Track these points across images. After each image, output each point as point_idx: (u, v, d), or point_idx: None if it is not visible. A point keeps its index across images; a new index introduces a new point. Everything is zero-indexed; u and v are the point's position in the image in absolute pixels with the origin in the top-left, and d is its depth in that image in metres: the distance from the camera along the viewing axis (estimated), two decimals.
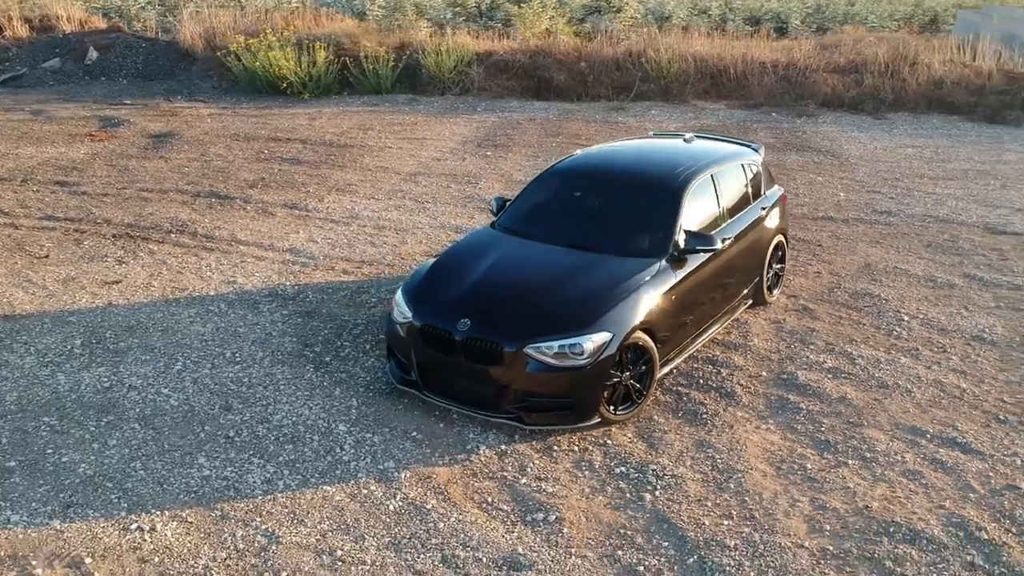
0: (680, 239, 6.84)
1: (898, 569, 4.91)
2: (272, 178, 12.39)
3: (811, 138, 15.61)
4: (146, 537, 5.10)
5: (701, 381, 6.93)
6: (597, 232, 7.14)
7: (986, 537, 5.16)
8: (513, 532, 5.21)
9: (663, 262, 6.69)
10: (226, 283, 8.76)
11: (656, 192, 7.26)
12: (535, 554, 5.04)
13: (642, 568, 4.93)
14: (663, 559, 5.00)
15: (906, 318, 8.09)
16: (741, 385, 6.89)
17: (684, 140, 8.50)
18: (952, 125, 17.03)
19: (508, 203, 7.80)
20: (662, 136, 9.34)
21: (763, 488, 5.61)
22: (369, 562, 4.96)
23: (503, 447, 6.07)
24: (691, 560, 5.00)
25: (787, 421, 6.41)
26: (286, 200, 11.39)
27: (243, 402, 6.56)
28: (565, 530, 5.22)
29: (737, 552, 5.05)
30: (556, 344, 5.98)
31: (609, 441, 6.15)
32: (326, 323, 7.92)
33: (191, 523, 5.23)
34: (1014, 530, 5.22)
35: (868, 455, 5.99)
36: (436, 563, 4.96)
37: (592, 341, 5.98)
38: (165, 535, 5.11)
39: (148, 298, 8.37)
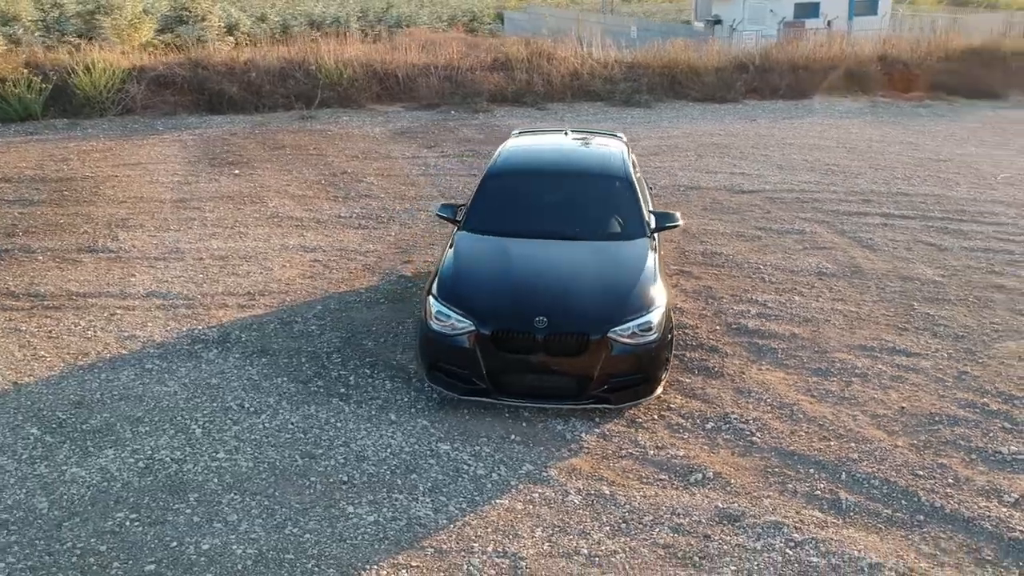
0: (651, 220, 7.67)
1: (962, 441, 6.34)
2: (19, 223, 10.79)
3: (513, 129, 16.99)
4: None
5: (681, 343, 7.79)
6: (576, 221, 7.66)
7: (994, 407, 6.77)
8: (696, 494, 5.76)
9: (648, 240, 7.47)
10: (128, 339, 7.82)
11: (610, 180, 7.99)
12: (734, 504, 5.62)
13: (817, 492, 5.80)
14: (818, 479, 5.94)
15: (760, 267, 9.72)
16: (713, 339, 7.91)
17: (565, 134, 9.23)
18: (600, 110, 19.52)
19: (463, 207, 7.88)
20: (535, 133, 9.96)
21: (821, 412, 6.76)
22: (617, 549, 5.20)
23: (599, 431, 6.49)
24: (841, 474, 5.97)
25: (775, 360, 7.61)
26: (71, 244, 10.11)
27: (317, 447, 6.21)
28: (732, 481, 5.88)
29: (859, 455, 6.12)
30: (631, 325, 6.53)
31: (672, 405, 6.85)
32: (294, 357, 7.55)
33: (418, 567, 5.04)
34: (1003, 399, 6.92)
35: (857, 372, 7.40)
36: (671, 534, 5.34)
37: (655, 318, 6.63)
38: None
39: (55, 371, 7.23)
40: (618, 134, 9.69)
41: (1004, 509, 5.56)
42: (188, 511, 5.42)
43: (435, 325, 6.64)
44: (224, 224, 10.88)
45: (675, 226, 7.80)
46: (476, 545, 5.20)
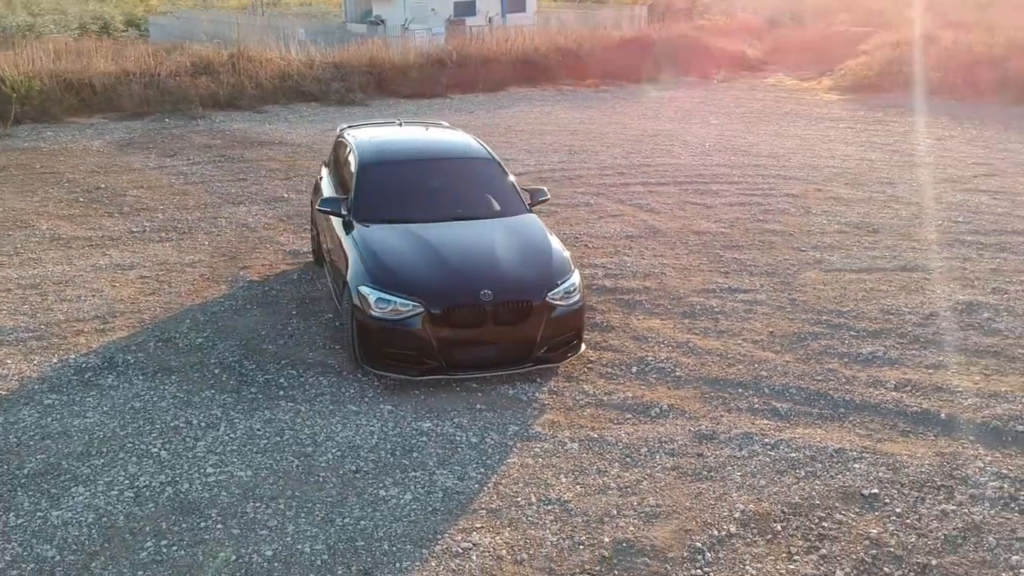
0: (526, 196, 8.37)
1: (830, 350, 7.73)
2: None
3: (248, 134, 16.73)
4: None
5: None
6: (462, 202, 8.09)
7: (835, 321, 8.30)
8: (666, 424, 6.48)
9: (533, 214, 8.17)
10: None
11: (479, 161, 8.50)
12: (701, 426, 6.45)
13: (756, 406, 6.77)
14: (748, 396, 6.90)
15: (576, 236, 10.74)
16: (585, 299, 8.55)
17: (400, 124, 9.61)
18: (318, 110, 19.74)
19: (347, 199, 7.96)
20: (367, 125, 10.12)
21: (712, 345, 7.90)
22: (638, 479, 5.80)
23: (547, 389, 6.96)
24: (763, 389, 7.01)
25: (645, 310, 8.62)
26: None
27: (304, 446, 6.13)
28: (685, 408, 6.70)
29: (766, 372, 7.27)
30: (561, 289, 7.17)
31: (592, 359, 7.51)
32: (203, 370, 7.26)
33: (483, 527, 5.28)
34: (835, 315, 8.45)
35: (716, 310, 8.64)
36: (671, 458, 6.02)
37: (577, 280, 7.36)
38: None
39: None
40: (443, 123, 10.12)
41: (892, 393, 6.88)
42: (220, 526, 5.20)
43: (377, 313, 6.74)
44: (4, 252, 9.80)
45: (546, 200, 8.44)
46: (520, 499, 5.53)
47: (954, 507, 5.39)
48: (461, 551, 4.99)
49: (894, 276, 9.30)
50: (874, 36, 27.81)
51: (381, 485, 5.60)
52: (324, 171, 9.50)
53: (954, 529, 5.18)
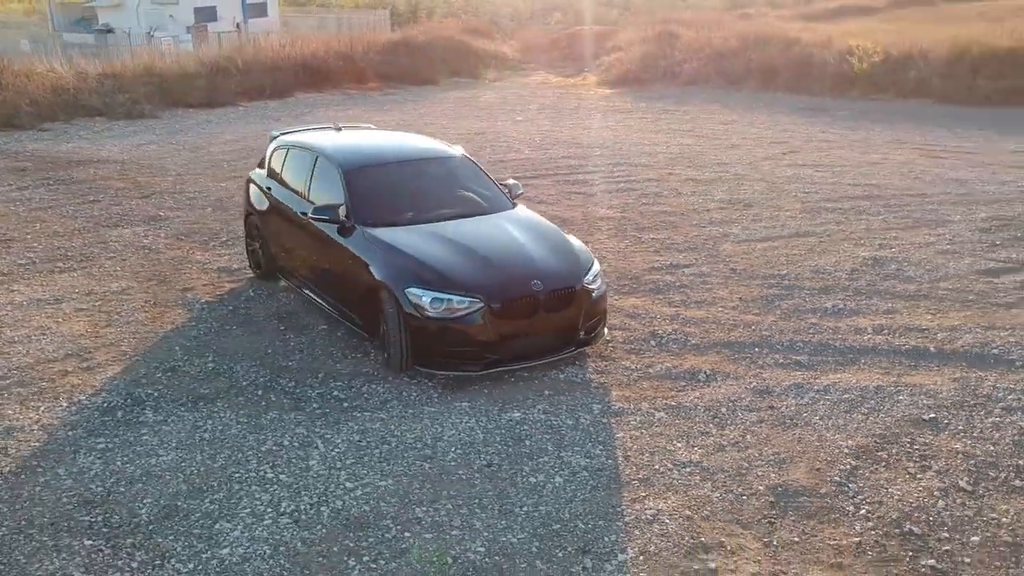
0: (505, 191, 8.70)
1: (800, 308, 8.58)
2: None
3: (55, 154, 15.49)
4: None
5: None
6: (456, 201, 8.17)
7: (786, 283, 9.28)
8: (722, 386, 6.96)
9: (524, 207, 8.54)
10: (19, 431, 6.40)
11: (456, 160, 8.65)
12: (751, 383, 7.02)
13: (781, 360, 7.43)
14: (769, 353, 7.55)
15: None
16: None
17: (338, 129, 9.54)
18: (108, 125, 18.51)
19: (338, 207, 7.77)
20: (303, 131, 9.84)
21: (700, 315, 8.52)
22: (742, 433, 6.26)
23: (591, 369, 7.27)
24: (774, 346, 7.73)
25: (618, 290, 9.21)
26: None
27: (420, 450, 6.03)
28: (726, 370, 7.28)
29: (764, 331, 7.98)
30: (591, 275, 7.57)
31: (607, 339, 7.84)
32: (243, 393, 6.88)
33: (660, 490, 5.55)
34: (779, 278, 9.31)
35: (677, 285, 9.31)
36: (753, 413, 6.51)
37: (598, 266, 7.80)
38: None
39: None
40: (370, 125, 10.12)
41: (877, 337, 7.86)
42: (407, 534, 5.08)
43: (433, 313, 6.76)
44: None
45: (522, 194, 8.75)
46: (657, 466, 5.86)
47: (998, 419, 6.37)
48: (651, 518, 5.25)
49: (795, 242, 10.44)
50: (618, 34, 29.98)
51: (524, 473, 5.70)
52: (258, 183, 9.20)
53: (1013, 435, 6.14)
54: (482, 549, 4.92)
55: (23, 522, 5.12)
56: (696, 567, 4.78)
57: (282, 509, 5.26)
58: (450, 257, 7.08)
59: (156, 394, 6.74)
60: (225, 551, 4.90)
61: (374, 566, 4.76)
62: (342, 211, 7.60)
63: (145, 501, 5.36)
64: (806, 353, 7.47)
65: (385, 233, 7.43)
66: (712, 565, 4.80)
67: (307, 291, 8.33)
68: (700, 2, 43.33)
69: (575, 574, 4.73)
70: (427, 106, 21.23)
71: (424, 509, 5.28)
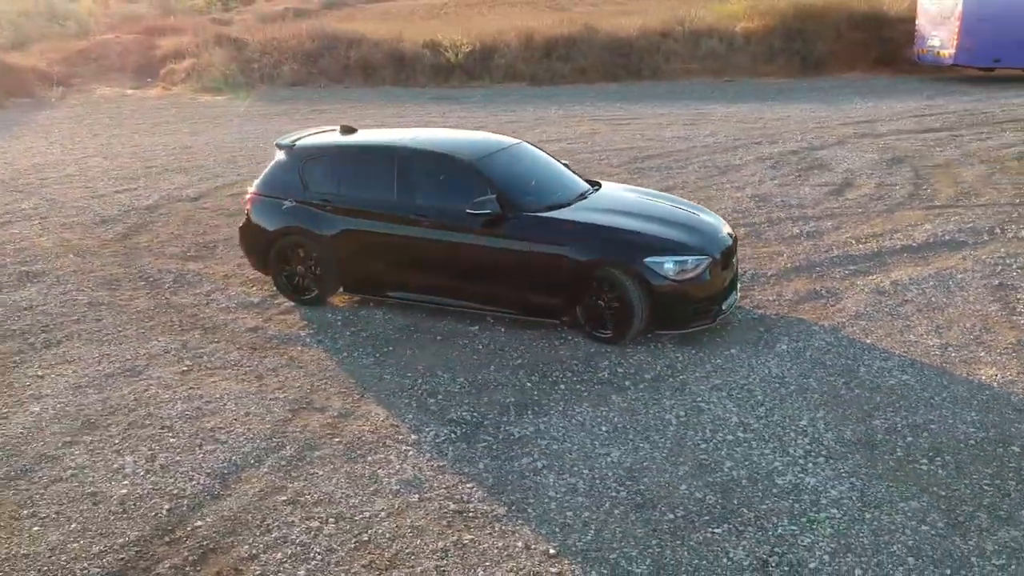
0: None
1: (824, 224, 10.65)
2: None
3: None
4: None
5: None
6: (563, 181, 8.43)
7: (779, 214, 11.18)
8: (878, 286, 8.40)
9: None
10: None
11: (529, 148, 8.85)
12: (874, 283, 8.74)
13: (870, 275, 9.51)
14: (860, 271, 9.37)
15: None
16: None
17: (353, 130, 9.12)
18: None
19: (491, 198, 7.60)
20: (322, 132, 8.96)
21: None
22: (957, 308, 8.18)
23: (752, 305, 8.20)
24: (847, 264, 9.69)
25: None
26: None
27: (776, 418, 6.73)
28: (857, 280, 9.13)
29: (828, 248, 9.90)
30: None
31: None
32: (558, 391, 6.66)
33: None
34: (788, 203, 11.23)
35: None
36: (909, 297, 8.52)
37: None
38: None
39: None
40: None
41: (869, 244, 10.14)
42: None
43: (677, 276, 7.33)
44: None
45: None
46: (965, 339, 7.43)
47: None
48: None
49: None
50: (166, 40, 28.53)
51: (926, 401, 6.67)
52: (291, 200, 8.30)
53: None
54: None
55: None
56: None
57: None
58: (649, 225, 7.52)
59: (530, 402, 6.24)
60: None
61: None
62: (494, 203, 7.47)
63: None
64: (891, 253, 9.15)
65: (562, 215, 7.56)
66: None
67: (421, 297, 8.01)
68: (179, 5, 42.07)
69: None
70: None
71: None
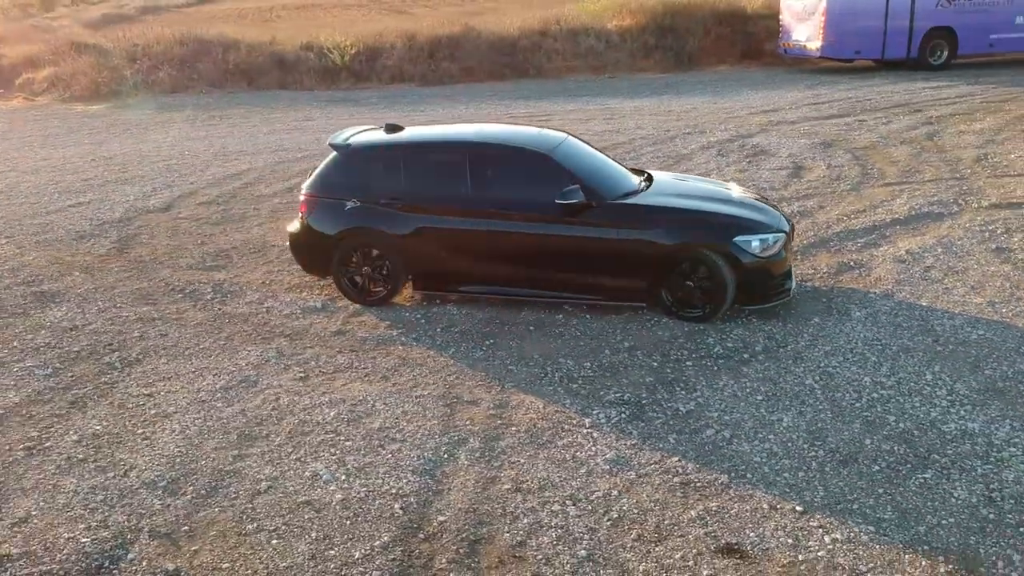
0: None
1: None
2: None
3: None
4: None
5: None
6: (615, 170, 8.97)
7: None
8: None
9: None
10: None
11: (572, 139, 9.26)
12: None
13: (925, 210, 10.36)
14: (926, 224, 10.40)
15: None
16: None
17: (400, 127, 9.14)
18: None
19: (576, 189, 7.85)
20: (371, 129, 8.84)
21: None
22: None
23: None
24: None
25: None
26: None
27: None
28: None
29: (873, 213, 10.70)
30: None
31: None
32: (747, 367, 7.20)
33: None
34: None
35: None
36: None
37: None
38: None
39: None
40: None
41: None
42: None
43: (763, 253, 7.66)
44: None
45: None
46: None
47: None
48: None
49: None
50: (9, 49, 26.72)
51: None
52: (353, 200, 8.17)
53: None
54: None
55: None
56: None
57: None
58: (726, 207, 7.99)
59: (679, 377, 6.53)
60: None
61: None
62: (580, 193, 7.76)
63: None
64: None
65: (644, 201, 7.91)
66: None
67: (497, 289, 8.13)
68: None
69: None
70: None
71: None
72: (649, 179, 8.43)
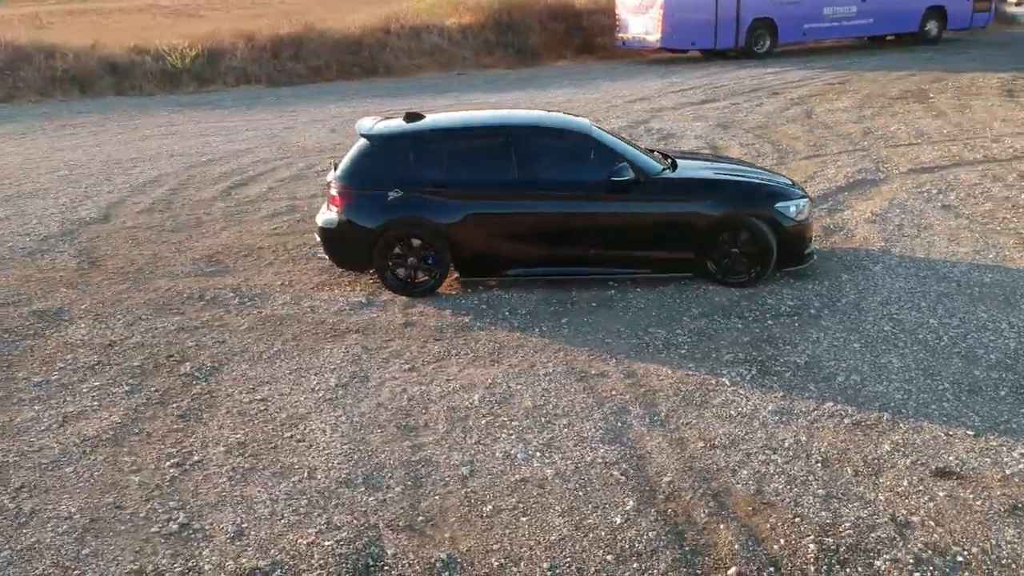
0: None
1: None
2: None
3: None
4: None
5: None
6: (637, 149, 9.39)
7: None
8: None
9: None
10: None
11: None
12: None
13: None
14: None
15: None
16: None
17: (422, 115, 9.14)
18: None
19: (626, 166, 8.21)
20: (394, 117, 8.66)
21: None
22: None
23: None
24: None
25: None
26: None
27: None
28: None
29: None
30: None
31: None
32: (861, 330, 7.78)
33: None
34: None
35: None
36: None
37: None
38: None
39: None
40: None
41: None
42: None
43: (798, 217, 8.22)
44: None
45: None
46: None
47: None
48: None
49: None
50: None
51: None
52: (396, 191, 8.00)
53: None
54: None
55: None
56: None
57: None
58: (755, 176, 8.61)
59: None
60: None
61: None
62: (629, 170, 8.14)
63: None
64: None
65: (684, 174, 8.38)
66: None
67: (547, 270, 8.24)
68: None
69: None
70: None
71: None
72: (665, 156, 8.73)
